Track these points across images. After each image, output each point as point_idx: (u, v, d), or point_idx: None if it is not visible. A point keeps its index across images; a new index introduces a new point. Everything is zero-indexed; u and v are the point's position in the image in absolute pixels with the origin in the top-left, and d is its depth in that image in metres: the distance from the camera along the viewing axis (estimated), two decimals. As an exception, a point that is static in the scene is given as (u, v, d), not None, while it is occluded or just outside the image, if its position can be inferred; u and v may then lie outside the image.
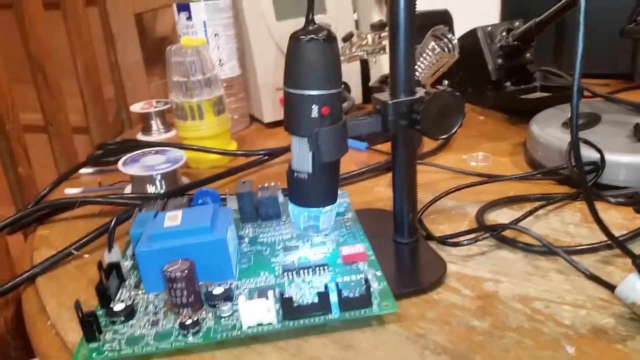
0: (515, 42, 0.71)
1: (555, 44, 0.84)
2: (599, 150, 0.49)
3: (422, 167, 0.59)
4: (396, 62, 0.39)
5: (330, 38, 0.36)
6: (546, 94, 0.72)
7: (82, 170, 0.68)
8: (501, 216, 0.48)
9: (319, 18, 0.74)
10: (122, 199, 0.53)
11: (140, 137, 0.78)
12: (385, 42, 0.64)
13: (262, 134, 0.77)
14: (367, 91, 0.80)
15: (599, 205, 0.46)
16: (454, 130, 0.39)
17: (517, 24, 0.73)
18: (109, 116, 1.08)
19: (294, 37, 0.36)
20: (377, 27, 0.65)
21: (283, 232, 0.45)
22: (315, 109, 0.36)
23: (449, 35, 0.60)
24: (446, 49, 0.59)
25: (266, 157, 0.64)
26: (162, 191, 0.56)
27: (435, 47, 0.59)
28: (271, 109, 0.77)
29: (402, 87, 0.39)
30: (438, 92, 0.38)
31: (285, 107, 0.38)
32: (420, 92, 0.39)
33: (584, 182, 0.34)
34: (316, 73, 0.36)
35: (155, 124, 0.78)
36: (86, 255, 0.47)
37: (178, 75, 0.64)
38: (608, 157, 0.49)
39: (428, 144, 0.65)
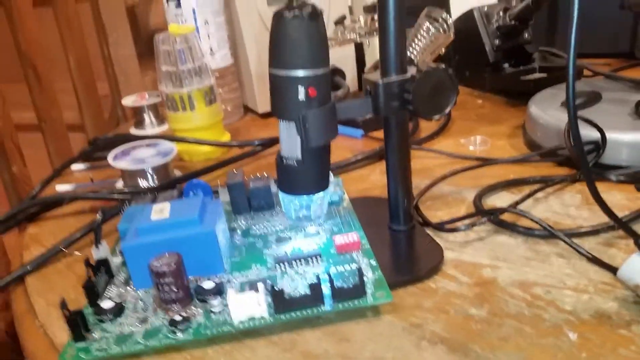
0: (513, 22, 0.69)
1: (548, 23, 0.82)
2: (599, 129, 0.47)
3: (419, 152, 0.58)
4: (386, 39, 0.37)
5: (315, 14, 0.34)
6: (544, 75, 0.71)
7: (75, 167, 0.66)
8: (499, 200, 0.46)
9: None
10: (111, 193, 0.52)
11: (133, 131, 0.76)
12: (378, 25, 0.62)
13: (256, 125, 0.75)
14: (362, 78, 0.79)
15: (601, 186, 0.43)
16: (447, 109, 0.38)
17: (513, 3, 0.71)
18: (104, 112, 1.07)
19: (277, 15, 0.34)
20: (371, 9, 0.63)
21: (276, 223, 0.44)
22: (301, 91, 0.35)
23: (444, 15, 0.58)
24: (441, 30, 0.58)
25: (259, 148, 0.62)
26: (154, 185, 0.55)
27: (430, 27, 0.57)
28: (265, 98, 0.75)
29: (393, 66, 0.37)
30: (429, 69, 0.37)
31: (270, 89, 0.37)
32: (411, 71, 0.38)
33: (584, 161, 0.32)
34: (301, 52, 0.34)
35: (148, 117, 0.76)
36: (77, 253, 0.46)
37: (167, 65, 0.62)
38: (609, 135, 0.47)
39: (425, 129, 0.64)
